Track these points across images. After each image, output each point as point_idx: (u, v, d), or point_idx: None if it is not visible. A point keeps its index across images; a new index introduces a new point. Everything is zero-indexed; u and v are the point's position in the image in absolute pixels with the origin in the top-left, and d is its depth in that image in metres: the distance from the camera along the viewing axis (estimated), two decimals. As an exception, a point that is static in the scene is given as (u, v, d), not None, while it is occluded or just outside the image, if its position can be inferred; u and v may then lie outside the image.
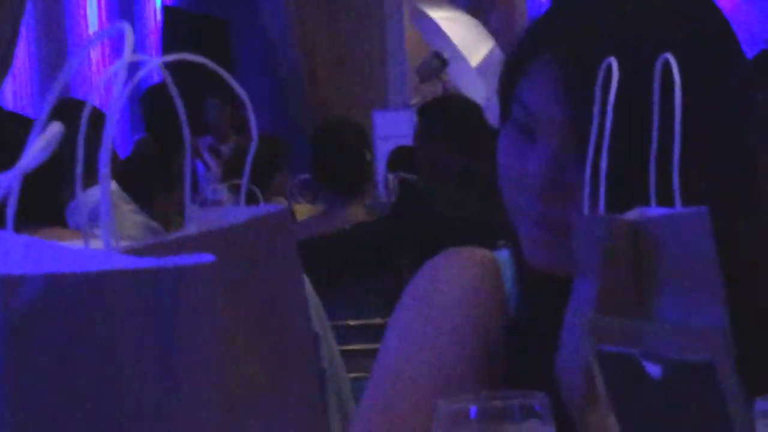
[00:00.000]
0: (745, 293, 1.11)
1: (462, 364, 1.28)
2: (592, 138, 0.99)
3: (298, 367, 0.94)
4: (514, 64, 1.30)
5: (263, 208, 0.98)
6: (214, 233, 0.91)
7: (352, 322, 3.50)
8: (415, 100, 8.26)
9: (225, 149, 7.49)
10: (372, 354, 3.00)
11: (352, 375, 3.02)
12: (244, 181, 0.92)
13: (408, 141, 5.63)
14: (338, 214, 3.86)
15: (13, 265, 0.64)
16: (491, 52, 7.97)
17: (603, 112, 1.00)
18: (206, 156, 7.08)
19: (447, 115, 4.22)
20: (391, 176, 4.71)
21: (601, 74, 0.99)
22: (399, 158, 5.47)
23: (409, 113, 6.83)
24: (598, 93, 1.00)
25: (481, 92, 7.15)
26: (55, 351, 0.58)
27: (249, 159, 0.87)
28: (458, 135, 4.01)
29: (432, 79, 8.05)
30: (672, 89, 0.97)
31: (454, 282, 1.34)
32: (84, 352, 0.59)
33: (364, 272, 3.69)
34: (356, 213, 3.88)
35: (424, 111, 4.43)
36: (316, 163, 4.05)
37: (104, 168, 0.65)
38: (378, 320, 3.46)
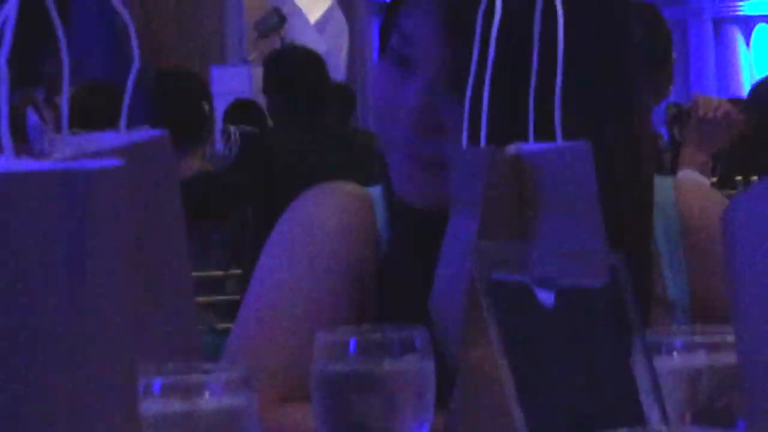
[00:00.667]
0: (618, 223, 1.12)
1: (335, 297, 1.26)
2: (473, 69, 1.01)
3: (173, 288, 0.92)
4: None
5: (143, 133, 0.96)
6: (99, 153, 0.88)
7: (192, 274, 3.24)
8: (253, 56, 8.26)
9: (60, 100, 7.35)
10: (214, 307, 3.10)
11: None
12: (124, 108, 0.87)
13: (246, 96, 5.77)
14: (180, 167, 3.79)
15: None
16: (330, 9, 8.17)
17: (483, 44, 1.03)
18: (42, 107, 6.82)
19: (291, 67, 4.20)
20: (232, 128, 4.70)
21: (482, 6, 1.03)
22: (238, 111, 5.46)
23: (247, 69, 7.09)
24: (479, 24, 1.00)
25: (320, 48, 7.08)
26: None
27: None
28: (301, 86, 3.99)
29: (270, 35, 7.96)
30: (551, 26, 1.00)
31: (328, 215, 1.32)
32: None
33: (207, 223, 3.68)
34: (196, 164, 3.85)
35: (268, 63, 4.43)
36: (155, 112, 3.86)
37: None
38: (219, 273, 3.49)
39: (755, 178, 3.38)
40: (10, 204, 0.59)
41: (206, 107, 4.16)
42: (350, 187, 1.36)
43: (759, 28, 13.16)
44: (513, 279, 0.82)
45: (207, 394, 0.80)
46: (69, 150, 0.90)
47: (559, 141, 1.01)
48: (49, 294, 0.60)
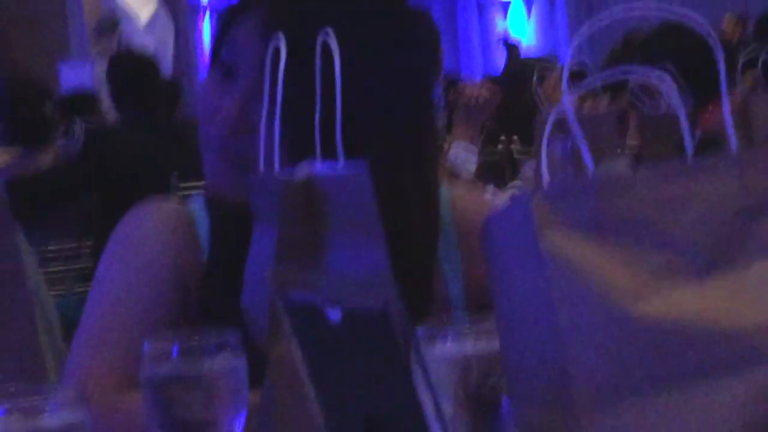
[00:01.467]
0: (405, 237, 1.15)
1: (162, 307, 1.30)
2: (265, 100, 1.05)
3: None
4: (232, 14, 1.31)
5: None
6: None
7: (51, 247, 3.63)
8: (95, 51, 8.48)
9: None
10: (69, 274, 3.31)
11: (53, 293, 3.05)
12: None
13: (91, 87, 5.88)
14: (32, 160, 3.94)
15: None
16: (156, 13, 8.43)
17: (273, 81, 1.06)
18: None
19: (127, 70, 4.24)
20: (78, 121, 4.56)
21: (282, 41, 1.07)
22: (81, 107, 5.41)
23: (90, 64, 7.33)
24: (282, 59, 1.07)
25: (149, 46, 7.52)
26: None
27: None
28: (136, 87, 4.07)
29: (107, 34, 8.22)
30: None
31: (151, 234, 1.35)
32: None
33: (61, 206, 3.81)
34: (49, 158, 4.00)
35: (109, 68, 4.39)
36: (3, 118, 4.15)
37: None
38: (72, 244, 3.71)
39: (515, 136, 3.94)
40: None
41: (49, 109, 4.12)
42: (170, 206, 1.42)
43: (514, 4, 13.75)
44: (306, 299, 0.86)
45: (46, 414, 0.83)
46: None
47: (341, 162, 0.97)
48: None
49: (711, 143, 1.95)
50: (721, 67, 0.86)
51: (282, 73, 1.00)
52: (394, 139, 1.27)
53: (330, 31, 1.01)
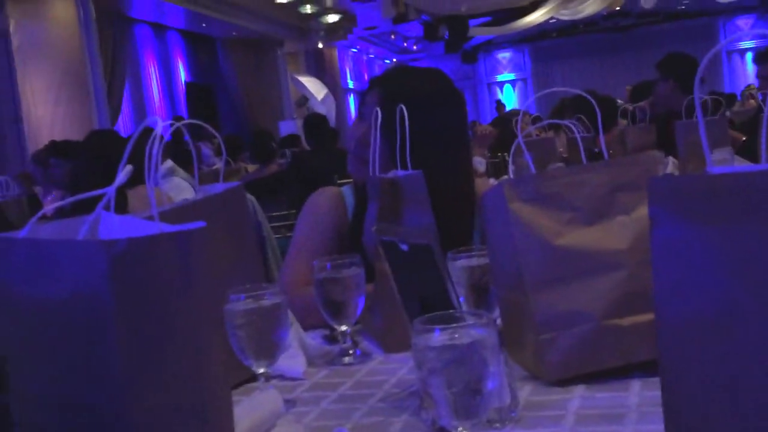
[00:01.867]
0: (443, 211, 1.51)
1: (327, 245, 1.77)
2: (374, 133, 1.50)
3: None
4: (366, 90, 1.82)
5: (219, 186, 1.30)
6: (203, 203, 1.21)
7: (275, 213, 5.29)
8: (296, 114, 12.72)
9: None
10: (283, 227, 4.50)
11: (277, 236, 4.35)
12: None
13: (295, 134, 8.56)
14: (265, 170, 6.20)
15: (110, 235, 0.86)
16: (326, 94, 12.89)
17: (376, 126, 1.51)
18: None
19: (313, 124, 6.33)
20: (287, 150, 6.94)
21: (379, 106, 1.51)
22: (289, 141, 8.15)
23: (294, 121, 11.49)
24: (379, 114, 1.51)
25: (323, 111, 11.15)
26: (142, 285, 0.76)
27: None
28: (318, 132, 6.14)
29: (302, 106, 12.32)
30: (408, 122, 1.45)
31: (323, 207, 1.83)
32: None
33: (280, 193, 5.70)
34: (273, 169, 6.17)
35: (305, 122, 6.48)
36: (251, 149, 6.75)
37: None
38: (285, 212, 5.52)
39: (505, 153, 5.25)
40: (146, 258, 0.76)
41: (273, 144, 6.91)
42: (332, 190, 1.86)
43: (505, 87, 21.31)
44: (391, 239, 1.15)
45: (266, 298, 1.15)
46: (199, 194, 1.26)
47: (410, 171, 1.45)
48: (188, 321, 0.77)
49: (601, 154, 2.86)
50: (599, 115, 1.35)
51: (379, 122, 1.48)
52: (451, 156, 1.72)
53: (402, 107, 1.46)
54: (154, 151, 0.89)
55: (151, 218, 0.84)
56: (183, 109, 12.53)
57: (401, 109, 1.37)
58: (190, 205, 1.15)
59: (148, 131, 1.00)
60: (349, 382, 1.21)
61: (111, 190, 0.82)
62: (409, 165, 1.39)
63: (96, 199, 0.87)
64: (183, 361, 0.77)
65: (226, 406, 0.81)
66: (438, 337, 0.83)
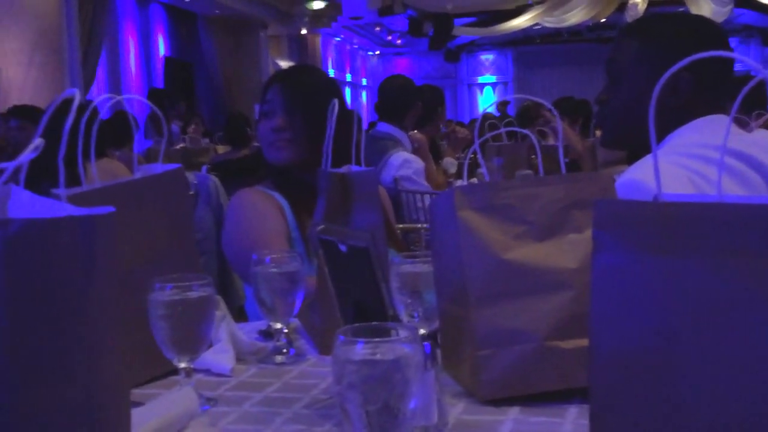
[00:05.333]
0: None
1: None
2: (330, 128, 1.40)
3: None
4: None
5: (159, 167, 1.23)
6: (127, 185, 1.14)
7: None
8: None
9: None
10: None
11: None
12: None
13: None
14: (236, 153, 6.11)
15: (16, 213, 0.79)
16: None
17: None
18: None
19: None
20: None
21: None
22: None
23: None
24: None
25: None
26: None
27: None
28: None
29: None
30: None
31: (265, 204, 1.84)
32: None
33: (247, 176, 5.25)
34: (244, 152, 6.00)
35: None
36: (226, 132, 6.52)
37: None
38: None
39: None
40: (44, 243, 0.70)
41: (247, 128, 6.58)
42: (262, 192, 1.86)
43: (486, 89, 21.23)
44: (330, 238, 1.12)
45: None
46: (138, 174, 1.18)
47: (363, 167, 1.40)
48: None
49: (574, 163, 2.84)
50: (559, 126, 1.29)
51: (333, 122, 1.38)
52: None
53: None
54: (66, 125, 0.82)
55: (58, 198, 0.76)
56: (160, 82, 12.39)
57: (334, 103, 1.30)
58: (121, 185, 1.08)
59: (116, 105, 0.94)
60: (277, 384, 1.15)
61: (14, 164, 0.75)
62: (362, 162, 1.30)
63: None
64: (77, 355, 0.71)
65: (122, 407, 0.75)
66: (360, 351, 0.77)
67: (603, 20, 15.21)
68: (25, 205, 0.82)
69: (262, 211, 1.77)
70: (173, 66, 13.05)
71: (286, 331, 1.27)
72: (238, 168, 5.86)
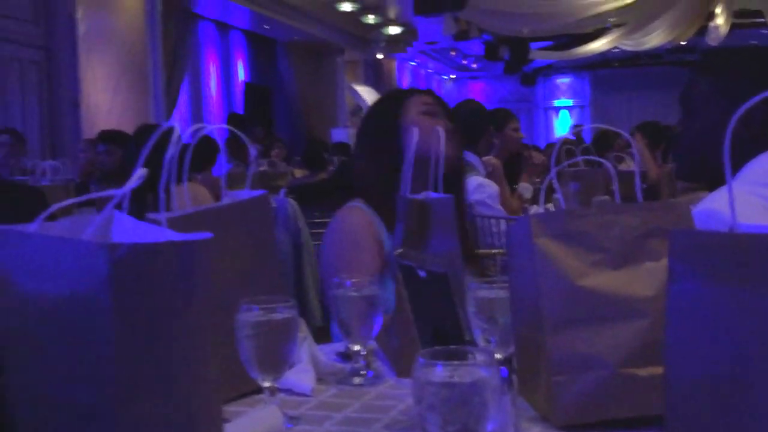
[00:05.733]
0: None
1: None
2: (408, 156, 1.47)
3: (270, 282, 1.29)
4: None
5: (246, 193, 1.27)
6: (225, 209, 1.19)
7: (317, 220, 5.16)
8: (350, 124, 12.70)
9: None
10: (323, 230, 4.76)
11: (315, 242, 4.33)
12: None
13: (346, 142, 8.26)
14: (314, 176, 6.20)
15: (119, 237, 0.86)
16: None
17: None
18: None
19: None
20: (336, 158, 6.81)
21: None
22: (340, 150, 7.91)
23: (347, 129, 11.44)
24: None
25: None
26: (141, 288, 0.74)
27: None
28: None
29: (356, 115, 12.07)
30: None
31: (360, 223, 1.81)
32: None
33: (327, 198, 5.42)
34: (322, 175, 6.12)
35: (358, 130, 6.25)
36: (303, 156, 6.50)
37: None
38: (327, 219, 5.33)
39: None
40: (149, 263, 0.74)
41: (324, 152, 6.82)
42: (360, 208, 1.84)
43: (562, 113, 21.02)
44: (410, 264, 1.14)
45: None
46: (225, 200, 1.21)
47: (441, 194, 1.42)
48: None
49: (652, 189, 2.78)
50: (635, 154, 1.29)
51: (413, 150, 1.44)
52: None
53: (439, 129, 1.53)
54: (168, 154, 0.88)
55: (160, 223, 0.82)
56: (239, 107, 12.70)
57: (437, 131, 1.34)
58: (212, 211, 1.14)
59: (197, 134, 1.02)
60: (356, 405, 1.18)
61: (122, 192, 0.81)
62: (441, 188, 1.34)
63: (141, 198, 0.86)
64: (175, 372, 0.75)
65: (216, 422, 0.79)
66: (439, 373, 0.80)
67: (683, 43, 14.93)
68: (127, 229, 0.88)
69: (362, 235, 1.78)
70: (252, 91, 13.38)
71: (364, 353, 1.30)
72: (316, 192, 5.98)
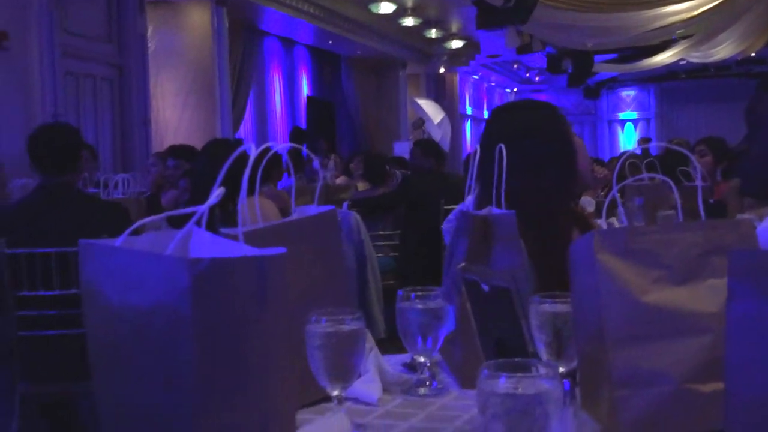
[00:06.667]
0: (538, 253, 1.50)
1: None
2: (471, 173, 1.52)
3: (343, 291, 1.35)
4: None
5: (314, 208, 1.32)
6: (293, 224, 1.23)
7: (380, 232, 5.58)
8: (412, 137, 12.76)
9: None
10: (386, 248, 5.20)
11: (379, 255, 4.59)
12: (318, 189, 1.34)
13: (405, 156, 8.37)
14: (376, 190, 6.21)
15: (197, 251, 0.90)
16: (443, 118, 12.67)
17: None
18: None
19: (426, 146, 6.34)
20: (398, 172, 6.89)
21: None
22: (402, 163, 8.00)
23: (408, 143, 10.83)
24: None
25: (437, 136, 11.46)
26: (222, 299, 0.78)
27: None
28: (431, 154, 6.11)
29: (418, 128, 12.39)
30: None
31: None
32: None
33: (387, 212, 5.87)
34: (383, 189, 6.14)
35: (416, 144, 6.53)
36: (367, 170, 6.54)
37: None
38: (389, 231, 5.79)
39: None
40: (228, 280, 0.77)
41: (385, 165, 6.69)
42: None
43: (627, 126, 20.90)
44: (474, 278, 1.18)
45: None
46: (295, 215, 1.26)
47: (503, 210, 1.44)
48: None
49: (718, 205, 2.72)
50: (697, 170, 1.30)
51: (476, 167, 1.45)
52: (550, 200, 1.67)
53: (501, 146, 1.43)
54: (246, 174, 0.93)
55: (235, 238, 0.87)
56: (303, 122, 12.90)
57: (500, 148, 1.36)
58: (283, 225, 1.19)
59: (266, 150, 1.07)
60: (421, 414, 1.22)
61: (202, 209, 0.87)
62: (503, 204, 1.37)
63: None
64: (252, 381, 0.80)
65: (290, 429, 0.83)
66: (503, 384, 0.83)
67: (752, 54, 14.61)
68: (205, 243, 0.93)
69: None
70: (315, 105, 13.60)
71: (428, 364, 1.34)
72: (377, 205, 6.02)
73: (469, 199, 1.50)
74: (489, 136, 1.54)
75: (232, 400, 0.78)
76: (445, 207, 5.37)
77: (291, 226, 1.20)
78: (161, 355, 0.80)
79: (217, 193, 0.85)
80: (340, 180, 7.80)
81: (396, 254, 5.63)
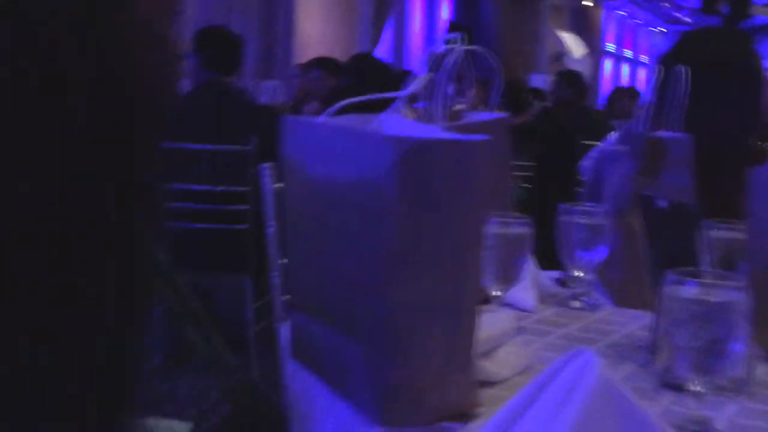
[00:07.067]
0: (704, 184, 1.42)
1: None
2: (650, 92, 1.49)
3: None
4: None
5: (486, 114, 1.37)
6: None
7: (516, 163, 5.03)
8: (550, 69, 12.37)
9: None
10: (520, 179, 5.10)
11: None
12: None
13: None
14: (514, 119, 5.38)
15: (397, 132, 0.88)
16: (584, 54, 12.71)
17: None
18: None
19: (573, 77, 6.01)
20: (536, 103, 6.80)
21: None
22: (537, 94, 7.79)
23: (544, 75, 11.25)
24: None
25: (579, 70, 9.75)
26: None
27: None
28: (577, 85, 5.84)
29: (557, 62, 12.42)
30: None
31: None
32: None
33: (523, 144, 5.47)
34: (522, 118, 6.02)
35: (561, 75, 6.24)
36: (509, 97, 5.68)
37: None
38: (524, 163, 5.47)
39: None
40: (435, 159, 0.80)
41: (526, 95, 6.82)
42: None
43: None
44: (648, 194, 1.20)
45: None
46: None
47: (677, 134, 1.41)
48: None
49: None
50: None
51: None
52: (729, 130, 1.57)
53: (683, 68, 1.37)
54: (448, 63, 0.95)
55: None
56: (440, 46, 12.78)
57: (684, 71, 1.32)
58: (462, 126, 1.21)
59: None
60: (577, 325, 1.24)
61: (405, 93, 0.90)
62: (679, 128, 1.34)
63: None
64: (444, 258, 0.83)
65: (474, 306, 0.87)
66: (691, 290, 0.83)
67: None
68: (396, 126, 0.95)
69: None
70: (454, 30, 13.41)
71: (585, 280, 1.34)
72: (515, 133, 5.96)
73: (628, 126, 1.45)
74: (675, 57, 1.48)
75: (423, 275, 0.82)
76: (583, 143, 5.15)
77: (468, 128, 1.21)
78: (362, 228, 0.83)
79: (422, 78, 0.87)
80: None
81: (527, 185, 5.54)
